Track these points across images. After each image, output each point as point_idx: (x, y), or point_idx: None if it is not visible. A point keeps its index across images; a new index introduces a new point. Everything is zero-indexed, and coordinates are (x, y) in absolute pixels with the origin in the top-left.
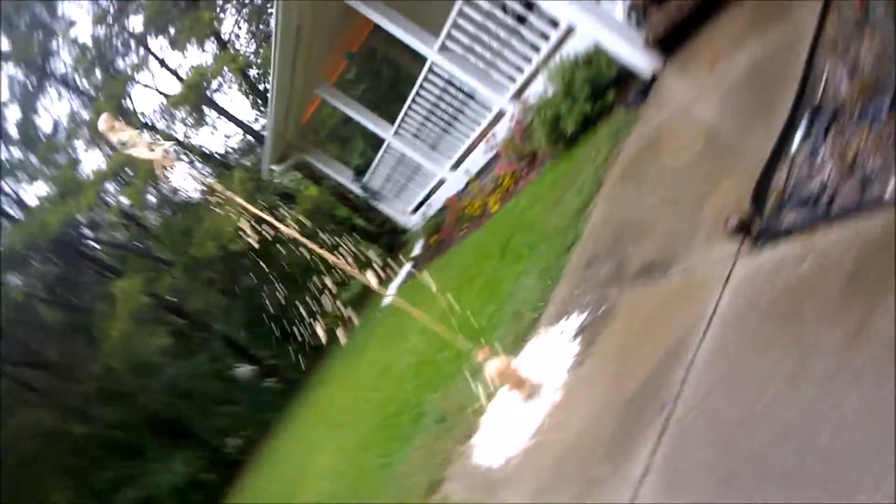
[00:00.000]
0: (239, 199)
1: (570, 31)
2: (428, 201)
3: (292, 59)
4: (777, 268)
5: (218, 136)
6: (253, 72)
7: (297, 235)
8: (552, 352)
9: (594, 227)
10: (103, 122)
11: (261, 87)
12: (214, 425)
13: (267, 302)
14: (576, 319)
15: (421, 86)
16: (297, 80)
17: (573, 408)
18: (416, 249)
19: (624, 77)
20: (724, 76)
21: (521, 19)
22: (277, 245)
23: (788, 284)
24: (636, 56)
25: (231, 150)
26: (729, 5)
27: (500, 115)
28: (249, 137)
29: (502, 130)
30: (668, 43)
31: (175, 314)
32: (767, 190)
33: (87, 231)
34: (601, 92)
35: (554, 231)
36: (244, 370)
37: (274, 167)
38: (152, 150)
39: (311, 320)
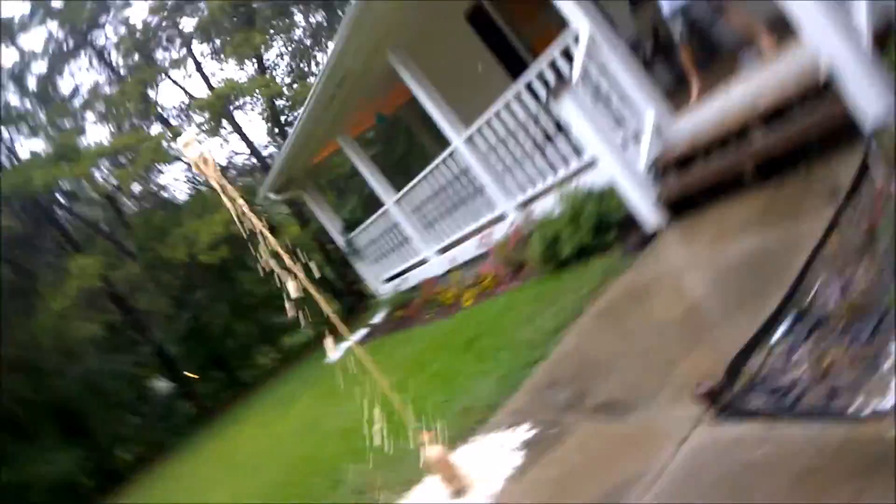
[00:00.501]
0: (241, 201)
1: (591, 164)
2: (405, 275)
3: (328, 101)
4: (734, 444)
5: (225, 150)
6: (280, 102)
7: (283, 261)
8: (493, 457)
9: (563, 352)
10: (187, 141)
11: (282, 118)
12: (113, 431)
13: (212, 323)
14: (524, 433)
15: (437, 166)
16: (324, 121)
17: None
18: (377, 318)
19: (629, 222)
20: (723, 255)
21: (550, 137)
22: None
23: (742, 464)
24: (645, 208)
25: (231, 166)
26: (745, 191)
27: (501, 217)
28: (254, 160)
29: (499, 232)
30: (679, 206)
31: (119, 306)
32: (741, 370)
33: (64, 199)
34: (605, 229)
35: (523, 343)
36: (164, 384)
37: (271, 194)
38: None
39: (251, 354)
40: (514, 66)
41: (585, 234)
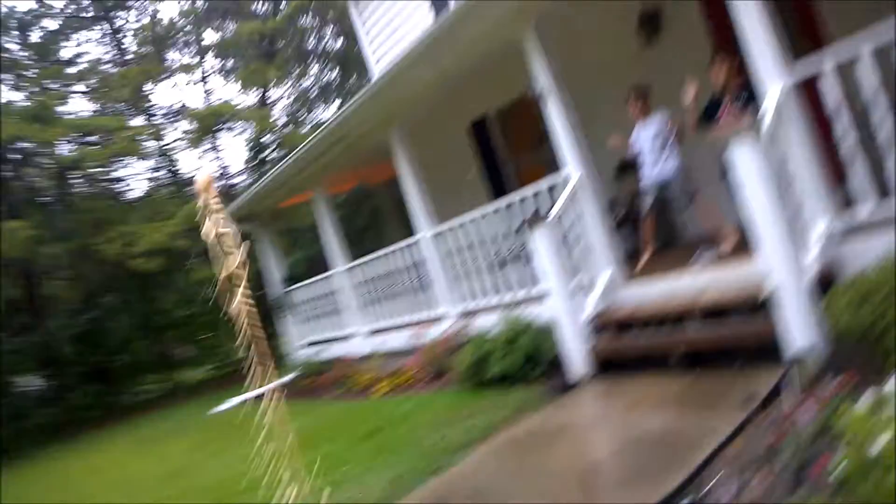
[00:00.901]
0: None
1: (541, 298)
2: (327, 345)
3: (319, 153)
4: None
5: (196, 163)
6: (268, 137)
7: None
8: None
9: (462, 472)
10: (203, 181)
11: (264, 154)
12: None
13: (114, 331)
14: None
15: (397, 250)
16: (308, 170)
17: None
18: (283, 379)
19: (557, 364)
20: (635, 423)
21: (507, 262)
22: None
23: None
24: (576, 356)
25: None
26: (669, 372)
27: (440, 318)
28: (224, 181)
29: (434, 332)
30: (606, 365)
31: (26, 284)
32: None
33: (16, 157)
34: (534, 363)
35: (425, 450)
36: (34, 382)
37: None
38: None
39: (142, 377)
40: (496, 185)
41: (514, 362)
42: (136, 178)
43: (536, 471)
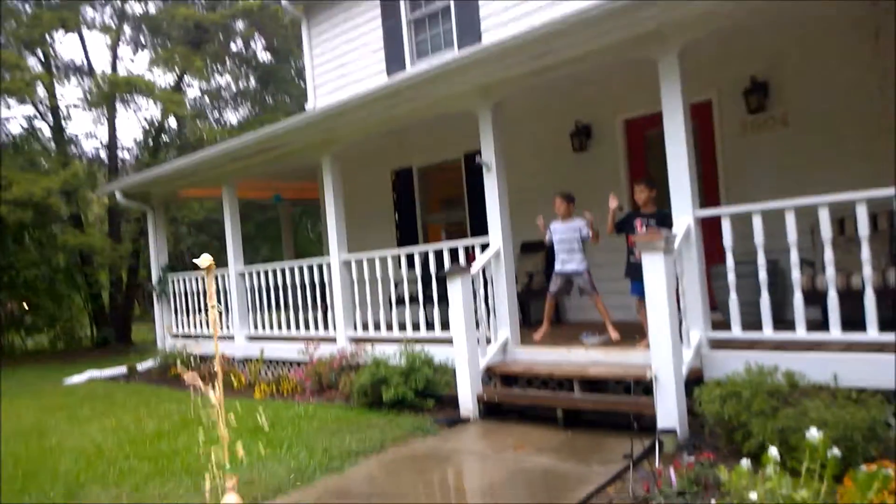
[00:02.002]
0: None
1: (439, 339)
2: (199, 340)
3: (245, 154)
4: None
5: (85, 127)
6: (172, 121)
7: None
8: None
9: (359, 475)
10: (206, 260)
11: (162, 138)
12: None
13: None
14: None
15: (307, 266)
16: (226, 167)
17: None
18: (145, 364)
19: (449, 400)
20: (520, 461)
21: (401, 302)
22: (24, 245)
23: None
24: (468, 397)
25: (76, 141)
26: (551, 427)
27: (334, 339)
28: (106, 151)
29: (324, 350)
30: (495, 410)
31: None
32: None
33: None
34: (427, 395)
35: (319, 450)
36: None
37: (119, 195)
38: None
39: None
40: (404, 232)
41: (410, 390)
42: (12, 120)
43: (432, 487)
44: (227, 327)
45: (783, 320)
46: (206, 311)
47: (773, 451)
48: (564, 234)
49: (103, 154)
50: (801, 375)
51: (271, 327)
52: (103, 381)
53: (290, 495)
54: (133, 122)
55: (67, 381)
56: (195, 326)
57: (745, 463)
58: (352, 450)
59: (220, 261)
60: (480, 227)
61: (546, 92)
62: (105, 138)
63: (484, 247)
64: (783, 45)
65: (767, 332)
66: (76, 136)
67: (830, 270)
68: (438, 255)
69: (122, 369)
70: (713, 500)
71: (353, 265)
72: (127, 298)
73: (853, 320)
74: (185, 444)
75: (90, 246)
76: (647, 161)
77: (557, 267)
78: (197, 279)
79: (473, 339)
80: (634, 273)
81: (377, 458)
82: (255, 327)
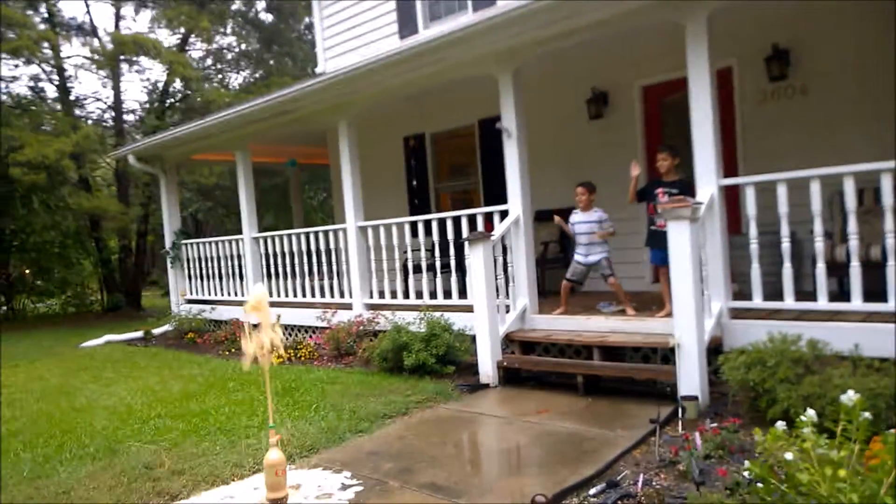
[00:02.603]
0: None
1: (466, 307)
2: (216, 306)
3: (257, 117)
4: None
5: (90, 88)
6: (179, 85)
7: None
8: (316, 487)
9: (387, 435)
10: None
11: (167, 100)
12: None
13: None
14: (347, 480)
15: (322, 232)
16: (239, 130)
17: None
18: (161, 329)
19: (467, 366)
20: (545, 425)
21: (419, 269)
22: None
23: None
24: (488, 363)
25: (81, 103)
26: (572, 393)
27: (348, 306)
28: (111, 113)
29: (342, 316)
30: (515, 376)
31: None
32: (567, 496)
33: None
34: (448, 361)
35: (346, 411)
36: None
37: (132, 158)
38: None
39: None
40: (416, 197)
41: (431, 356)
42: (17, 81)
43: (461, 446)
44: (241, 293)
45: (800, 291)
46: (221, 276)
47: (811, 413)
48: (585, 225)
49: (107, 116)
50: (825, 344)
51: (286, 293)
52: (120, 344)
53: (322, 454)
54: (136, 84)
55: (84, 345)
56: (210, 292)
57: (781, 424)
58: (378, 412)
59: (227, 228)
60: (494, 195)
61: (562, 58)
62: (110, 100)
63: (503, 214)
64: (806, 13)
65: (789, 301)
66: (83, 96)
67: (854, 241)
68: (456, 222)
69: (138, 333)
70: (746, 462)
71: (370, 232)
72: (137, 264)
73: (871, 291)
74: (213, 404)
75: (103, 209)
76: (664, 128)
77: (579, 258)
78: (211, 244)
79: (494, 306)
80: (655, 242)
81: (403, 420)
82: (270, 294)
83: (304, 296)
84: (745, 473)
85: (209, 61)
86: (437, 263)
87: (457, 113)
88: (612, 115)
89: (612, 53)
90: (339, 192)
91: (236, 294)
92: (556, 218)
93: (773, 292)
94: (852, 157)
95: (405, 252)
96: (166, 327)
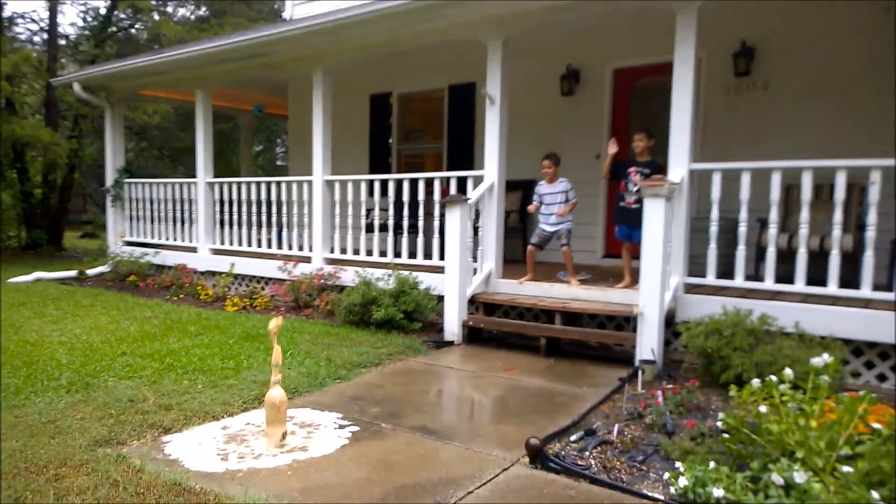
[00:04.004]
0: None
1: (429, 269)
2: (159, 250)
3: (227, 58)
4: (549, 483)
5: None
6: (121, 13)
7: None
8: (311, 427)
9: (366, 382)
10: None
11: (112, 29)
12: None
13: None
14: (339, 420)
15: (286, 183)
16: (203, 69)
17: (323, 470)
18: (97, 270)
19: (431, 323)
20: (515, 380)
21: (385, 228)
22: None
23: (556, 495)
24: (454, 322)
25: (13, 22)
26: (534, 353)
27: (308, 259)
28: (46, 39)
29: (303, 269)
30: (475, 334)
31: None
32: (548, 444)
33: None
34: (415, 318)
35: (321, 358)
36: None
37: (78, 86)
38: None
39: None
40: (377, 157)
41: (399, 312)
42: None
43: (441, 396)
44: (191, 238)
45: (730, 273)
46: (168, 220)
47: (788, 372)
48: (551, 196)
49: (37, 39)
50: (773, 319)
51: (240, 243)
52: (53, 282)
53: (307, 397)
54: (72, 8)
55: (12, 280)
56: (154, 235)
57: (756, 382)
58: (354, 361)
59: (159, 171)
60: (459, 161)
61: (542, 32)
62: (45, 22)
63: (476, 180)
64: (774, 14)
65: (739, 280)
66: (17, 14)
67: (804, 230)
68: (429, 184)
69: (71, 272)
70: (720, 414)
71: (337, 186)
72: (61, 200)
73: (811, 277)
74: (180, 346)
75: (35, 138)
76: (631, 111)
77: (545, 226)
78: (159, 186)
79: (465, 267)
80: (623, 218)
81: (378, 370)
82: (223, 241)
83: (259, 246)
84: (719, 424)
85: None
86: (405, 224)
87: (426, 75)
88: (582, 92)
89: (588, 34)
90: (301, 143)
91: (184, 239)
92: (530, 208)
93: (721, 272)
94: (803, 153)
95: (371, 209)
96: (102, 268)
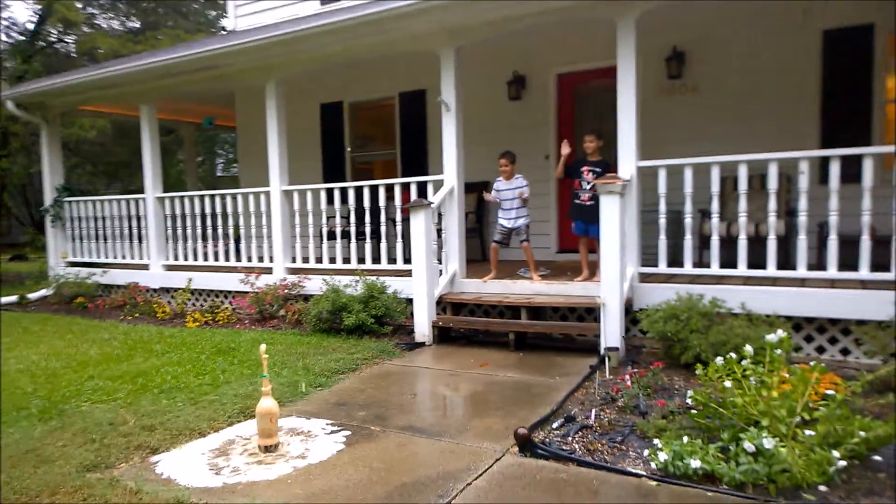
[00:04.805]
0: None
1: (394, 273)
2: (107, 269)
3: (176, 71)
4: (540, 469)
5: None
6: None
7: None
8: (301, 434)
9: (347, 388)
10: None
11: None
12: None
13: None
14: (329, 426)
15: (242, 195)
16: (150, 83)
17: (323, 475)
18: (38, 293)
19: (402, 327)
20: (490, 376)
21: (347, 235)
22: None
23: (549, 479)
24: (423, 322)
25: None
26: (504, 348)
27: (269, 270)
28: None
29: (265, 280)
30: (444, 333)
31: None
32: (535, 430)
33: None
34: (385, 322)
35: (299, 369)
36: None
37: (10, 103)
38: None
39: None
40: (331, 166)
41: (369, 317)
42: None
43: (422, 396)
44: (141, 255)
45: (677, 261)
46: (115, 238)
47: (749, 349)
48: (509, 192)
49: None
50: (722, 302)
51: (196, 257)
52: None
53: (290, 406)
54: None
55: None
56: (100, 254)
57: (720, 360)
58: (331, 368)
59: (94, 186)
60: (414, 167)
61: (489, 40)
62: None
63: (437, 185)
64: (702, 21)
65: (688, 267)
66: None
67: (743, 218)
68: (389, 189)
69: (11, 298)
70: (690, 391)
71: (296, 196)
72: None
73: (750, 261)
74: (150, 366)
75: None
76: (575, 113)
77: (504, 223)
78: (105, 203)
79: (432, 270)
80: (579, 214)
81: (356, 375)
82: (177, 257)
83: (216, 260)
84: (689, 401)
85: (78, 3)
86: (368, 230)
87: (377, 84)
88: (529, 97)
89: (531, 41)
90: (250, 154)
91: (134, 257)
92: (486, 195)
93: (670, 261)
94: (732, 150)
95: (332, 217)
96: (45, 291)
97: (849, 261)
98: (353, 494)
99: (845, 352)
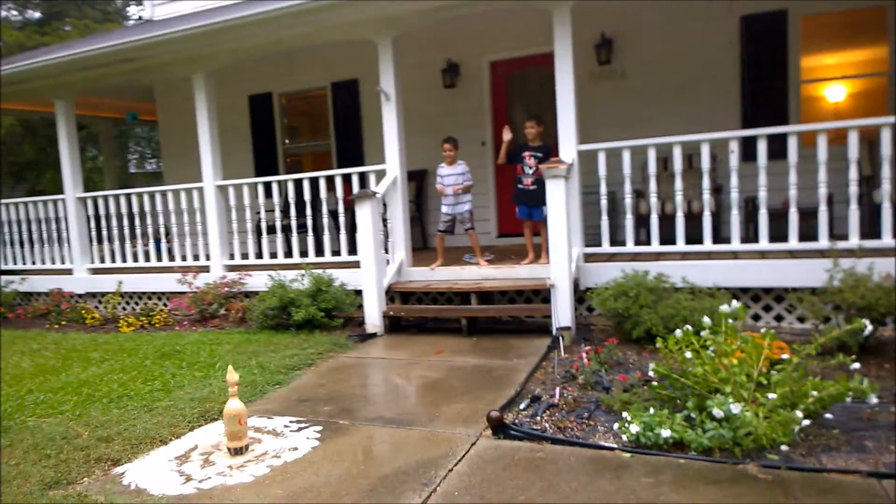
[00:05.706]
0: None
1: (346, 265)
2: (26, 276)
3: (94, 63)
4: (516, 449)
5: None
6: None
7: None
8: (272, 434)
9: (305, 384)
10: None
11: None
12: None
13: None
14: (295, 423)
15: (172, 192)
16: (65, 77)
17: (302, 473)
18: None
19: (352, 319)
20: (448, 362)
21: (287, 229)
22: None
23: (527, 458)
24: (374, 314)
25: None
26: (457, 334)
27: (206, 268)
28: None
29: (205, 278)
30: (395, 323)
31: None
32: (504, 412)
33: None
34: (335, 315)
35: (252, 368)
36: None
37: None
38: None
39: None
40: (262, 158)
41: (319, 311)
42: None
43: (384, 386)
44: (63, 260)
45: (617, 240)
46: (33, 243)
47: (707, 320)
48: (452, 178)
49: None
50: (667, 277)
51: (125, 259)
52: None
53: (252, 406)
54: None
55: None
56: (16, 261)
57: (679, 332)
58: (286, 365)
59: None
60: (349, 158)
61: (422, 29)
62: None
63: (379, 174)
64: (628, 8)
65: (630, 246)
66: None
67: (679, 197)
68: (329, 180)
69: None
70: (651, 364)
71: (231, 191)
72: None
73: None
74: (92, 375)
75: None
76: (509, 100)
77: (447, 209)
78: (19, 206)
79: (380, 260)
80: (523, 198)
81: (312, 370)
82: (103, 259)
83: (148, 260)
84: (651, 374)
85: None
86: (309, 223)
87: (308, 74)
88: (463, 85)
89: (464, 29)
90: (175, 149)
91: (55, 262)
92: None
93: (610, 240)
94: (659, 133)
95: (270, 211)
96: None
97: (776, 233)
98: (336, 490)
99: (779, 318)
